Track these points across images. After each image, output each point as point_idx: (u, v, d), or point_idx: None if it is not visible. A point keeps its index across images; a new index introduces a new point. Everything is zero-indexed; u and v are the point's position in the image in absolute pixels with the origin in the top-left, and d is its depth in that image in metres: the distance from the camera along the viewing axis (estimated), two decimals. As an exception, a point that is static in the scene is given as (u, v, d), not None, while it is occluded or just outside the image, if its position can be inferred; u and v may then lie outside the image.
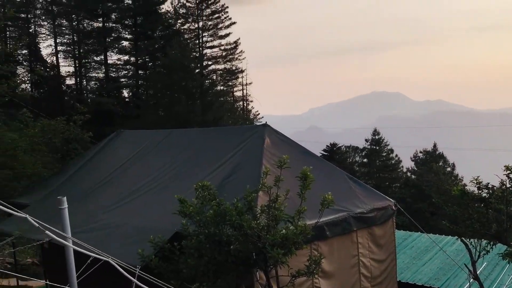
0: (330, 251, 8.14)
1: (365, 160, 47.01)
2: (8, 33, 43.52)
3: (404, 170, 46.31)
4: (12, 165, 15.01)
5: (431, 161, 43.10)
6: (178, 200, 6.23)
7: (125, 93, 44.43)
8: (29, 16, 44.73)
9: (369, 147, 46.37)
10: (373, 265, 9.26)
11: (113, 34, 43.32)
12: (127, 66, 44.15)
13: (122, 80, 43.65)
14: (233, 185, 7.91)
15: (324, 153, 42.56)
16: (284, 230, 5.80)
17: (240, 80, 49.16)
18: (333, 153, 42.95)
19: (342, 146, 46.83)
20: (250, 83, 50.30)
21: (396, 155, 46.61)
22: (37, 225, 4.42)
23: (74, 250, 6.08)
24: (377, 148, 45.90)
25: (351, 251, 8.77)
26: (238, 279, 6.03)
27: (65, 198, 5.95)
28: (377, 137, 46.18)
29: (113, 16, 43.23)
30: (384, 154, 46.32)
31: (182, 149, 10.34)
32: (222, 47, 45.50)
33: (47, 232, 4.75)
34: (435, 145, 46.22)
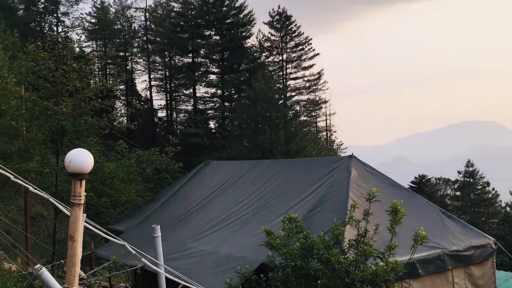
0: (422, 290, 7.68)
1: (457, 193, 44.20)
2: (108, 70, 47.35)
3: (503, 204, 42.79)
4: (110, 193, 16.02)
5: (534, 195, 39.50)
6: (264, 231, 6.26)
7: (212, 124, 46.11)
8: (126, 54, 48.37)
9: (462, 179, 43.59)
10: (471, 307, 8.58)
11: (201, 69, 45.50)
12: (214, 99, 45.96)
13: (209, 112, 45.41)
14: (319, 218, 7.81)
15: (412, 185, 40.74)
16: (374, 266, 5.59)
17: (323, 110, 49.12)
18: (422, 185, 40.99)
19: (431, 178, 44.55)
20: (333, 113, 50.06)
21: (493, 188, 43.30)
22: (134, 252, 4.67)
23: (166, 277, 6.31)
24: (471, 180, 43.02)
25: (446, 291, 8.20)
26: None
27: (158, 226, 6.23)
28: (471, 168, 43.32)
29: (202, 52, 45.47)
30: (480, 187, 43.28)
31: (268, 180, 10.44)
32: (306, 78, 46.02)
33: (143, 259, 4.99)
34: (538, 178, 42.43)
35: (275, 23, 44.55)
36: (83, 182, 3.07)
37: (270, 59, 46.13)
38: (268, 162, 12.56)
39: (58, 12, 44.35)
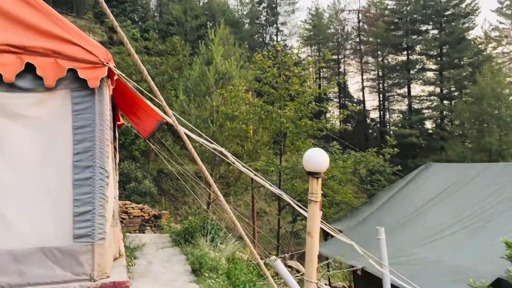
0: None
1: None
2: (321, 73, 49.13)
3: None
4: (326, 192, 16.52)
5: None
6: (504, 243, 5.55)
7: (428, 124, 43.56)
8: (339, 57, 49.37)
9: None
10: None
11: (417, 66, 43.42)
12: (431, 97, 43.35)
13: (425, 111, 43.00)
14: None
15: None
16: None
17: None
18: None
19: None
20: None
21: None
22: (361, 252, 4.66)
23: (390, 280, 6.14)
24: None
25: None
26: None
27: (383, 228, 6.10)
28: None
29: (417, 48, 43.40)
30: None
31: (502, 186, 9.26)
32: (544, 69, 39.59)
33: (370, 260, 4.94)
34: None
35: (504, 9, 39.58)
36: (319, 181, 3.19)
37: (498, 50, 41.28)
38: (503, 165, 11.14)
39: (278, 22, 48.03)
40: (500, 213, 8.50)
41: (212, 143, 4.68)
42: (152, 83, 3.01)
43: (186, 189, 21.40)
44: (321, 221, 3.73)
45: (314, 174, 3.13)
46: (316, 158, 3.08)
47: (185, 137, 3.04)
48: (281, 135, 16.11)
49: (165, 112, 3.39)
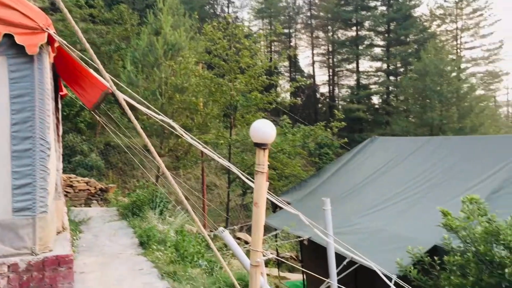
0: None
1: None
2: (273, 47, 49.08)
3: None
4: (275, 166, 16.74)
5: None
6: (441, 212, 5.85)
7: (375, 100, 44.78)
8: (290, 31, 49.39)
9: None
10: None
11: (365, 42, 44.20)
12: (378, 73, 44.42)
13: (373, 87, 44.10)
14: (504, 201, 7.00)
15: None
16: None
17: (504, 83, 43.87)
18: None
19: None
20: (516, 86, 44.34)
21: None
22: (307, 222, 4.77)
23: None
24: None
25: None
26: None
27: (329, 199, 6.28)
28: None
29: (366, 24, 44.11)
30: None
31: (441, 158, 9.72)
32: (484, 48, 41.46)
33: (315, 230, 5.08)
34: None
35: (449, -12, 40.84)
36: (266, 152, 3.22)
37: (442, 28, 42.60)
38: (442, 139, 11.68)
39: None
40: (438, 184, 8.95)
41: (159, 114, 4.59)
42: (89, 48, 2.88)
43: (134, 162, 21.03)
44: (268, 193, 3.78)
45: (261, 146, 3.14)
46: (263, 129, 3.08)
47: (124, 103, 2.95)
48: (231, 108, 16.06)
49: (104, 78, 3.27)
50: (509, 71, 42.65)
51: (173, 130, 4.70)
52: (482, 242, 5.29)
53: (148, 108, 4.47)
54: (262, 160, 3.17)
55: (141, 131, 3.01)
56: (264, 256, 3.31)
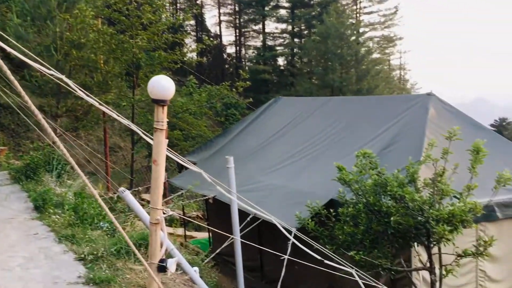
0: (498, 234, 7.39)
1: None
2: (178, 5, 47.52)
3: None
4: (182, 126, 16.56)
5: None
6: (336, 167, 6.20)
7: (281, 61, 45.55)
8: (198, -12, 47.99)
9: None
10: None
11: (271, 3, 44.36)
12: (284, 35, 45.04)
13: (278, 48, 44.73)
14: (393, 156, 7.59)
15: (492, 128, 38.56)
16: (450, 206, 5.41)
17: (398, 48, 46.79)
18: (503, 128, 38.65)
19: (512, 121, 41.88)
20: (408, 51, 47.57)
21: None
22: (210, 180, 4.80)
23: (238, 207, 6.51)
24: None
25: (524, 237, 7.84)
26: (395, 251, 5.86)
27: (232, 158, 6.36)
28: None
29: (272, -15, 44.16)
30: None
31: (339, 116, 10.23)
32: (381, 13, 43.59)
33: (218, 187, 5.14)
34: None
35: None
36: (165, 108, 3.13)
37: (343, -9, 43.97)
38: (340, 99, 12.29)
39: None
40: (336, 141, 9.46)
41: (50, 69, 4.26)
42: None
43: (29, 124, 19.58)
44: (169, 150, 3.72)
45: (159, 102, 3.05)
46: (161, 84, 2.99)
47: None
48: (134, 66, 15.43)
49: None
50: (403, 36, 45.36)
51: (67, 87, 4.41)
52: (372, 194, 5.72)
53: (41, 64, 4.13)
54: (161, 117, 3.08)
55: (20, 88, 2.76)
56: (164, 213, 3.28)
